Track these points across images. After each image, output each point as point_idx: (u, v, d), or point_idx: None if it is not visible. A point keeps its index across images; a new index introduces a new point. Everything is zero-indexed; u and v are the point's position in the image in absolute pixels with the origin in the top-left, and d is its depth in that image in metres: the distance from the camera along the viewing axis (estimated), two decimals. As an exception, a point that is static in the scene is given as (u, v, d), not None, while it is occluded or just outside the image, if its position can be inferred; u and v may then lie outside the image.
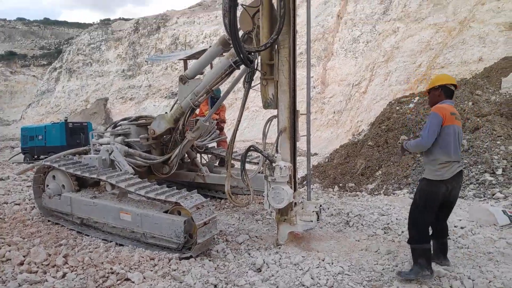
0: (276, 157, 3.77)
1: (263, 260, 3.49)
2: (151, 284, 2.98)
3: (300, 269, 3.30)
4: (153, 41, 63.20)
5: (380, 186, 7.34)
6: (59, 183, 4.52)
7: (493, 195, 5.92)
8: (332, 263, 3.34)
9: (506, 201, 5.66)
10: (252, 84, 4.28)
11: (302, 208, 3.97)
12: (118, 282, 3.04)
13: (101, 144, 5.16)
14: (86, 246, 3.80)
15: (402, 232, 4.13)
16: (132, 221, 3.84)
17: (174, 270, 3.24)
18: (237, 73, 4.71)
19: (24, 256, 3.30)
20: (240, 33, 4.42)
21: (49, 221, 4.55)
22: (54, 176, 4.58)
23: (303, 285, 3.00)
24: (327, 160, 9.34)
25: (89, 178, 4.31)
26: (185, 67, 6.66)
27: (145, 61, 9.49)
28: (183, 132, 5.01)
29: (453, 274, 3.11)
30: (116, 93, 55.57)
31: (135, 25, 57.65)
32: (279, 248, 3.84)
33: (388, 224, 4.38)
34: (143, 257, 3.38)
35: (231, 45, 4.59)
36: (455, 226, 4.40)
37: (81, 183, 4.53)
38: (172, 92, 59.42)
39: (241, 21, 4.24)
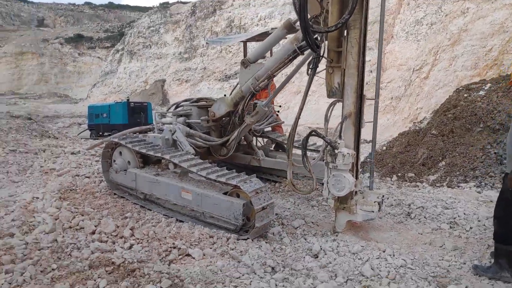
0: (339, 143, 3.66)
1: (320, 246, 3.45)
2: (210, 261, 3.07)
3: (359, 259, 3.23)
4: (209, 24, 64.04)
5: (443, 177, 6.92)
6: (125, 159, 4.77)
7: None
8: (394, 255, 3.22)
9: None
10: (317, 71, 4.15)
11: (363, 198, 3.85)
12: (180, 256, 3.16)
13: (164, 124, 5.36)
14: (149, 220, 4.00)
15: (471, 228, 3.87)
16: (192, 200, 3.97)
17: (232, 249, 3.31)
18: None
19: (95, 226, 3.54)
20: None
21: (115, 194, 4.84)
22: (120, 152, 4.85)
23: (363, 275, 2.92)
24: (384, 148, 8.98)
25: (153, 156, 4.51)
26: (245, 50, 6.65)
27: (206, 43, 9.66)
28: (242, 116, 5.03)
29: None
30: (173, 75, 57.40)
31: (192, 8, 58.66)
32: (336, 235, 3.77)
33: (454, 218, 4.12)
34: (202, 235, 3.49)
35: (297, 29, 4.52)
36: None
37: (145, 160, 4.75)
38: (226, 75, 60.18)
39: (312, 4, 4.10)
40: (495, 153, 6.76)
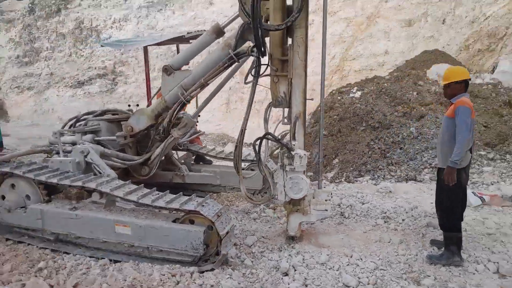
0: (294, 145, 3.56)
1: (287, 262, 3.29)
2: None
3: (330, 268, 3.18)
4: (53, 24, 56.86)
5: (339, 174, 7.55)
6: (21, 194, 3.71)
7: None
8: (361, 259, 3.29)
9: (459, 182, 6.24)
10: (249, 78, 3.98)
11: (314, 197, 3.82)
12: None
13: (65, 144, 4.40)
14: (74, 267, 3.17)
15: (403, 220, 4.26)
16: (132, 235, 3.31)
17: (201, 286, 2.86)
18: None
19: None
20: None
21: (7, 239, 3.73)
22: (13, 185, 3.75)
23: (348, 286, 2.88)
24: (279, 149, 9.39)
25: (66, 187, 3.63)
26: (146, 55, 6.02)
27: (101, 45, 8.23)
28: (168, 129, 4.46)
29: (472, 258, 3.28)
30: (10, 81, 49.15)
31: (30, 5, 51.35)
32: (293, 247, 3.67)
33: (385, 213, 4.48)
34: (163, 275, 2.92)
35: (224, 33, 4.26)
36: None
37: (50, 192, 3.79)
38: (79, 81, 54.49)
39: (241, 11, 3.88)
40: (378, 148, 7.69)
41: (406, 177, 6.80)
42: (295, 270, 3.19)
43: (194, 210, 3.16)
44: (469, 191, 5.12)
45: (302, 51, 3.61)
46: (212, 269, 3.14)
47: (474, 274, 3.10)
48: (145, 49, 5.86)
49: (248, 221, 4.44)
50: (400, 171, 6.99)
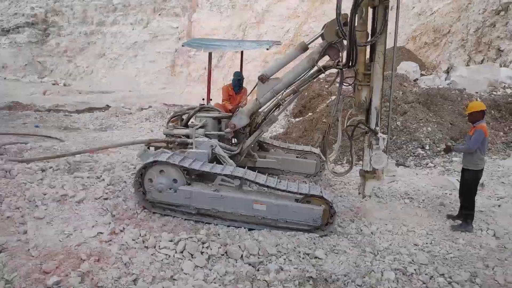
0: (378, 129, 5.09)
1: (368, 228, 4.92)
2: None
3: (395, 234, 4.88)
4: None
5: (340, 157, 9.30)
6: (170, 178, 4.76)
7: (426, 165, 8.56)
8: (414, 228, 5.02)
9: (436, 168, 8.34)
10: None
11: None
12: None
13: (175, 136, 5.51)
14: (226, 232, 4.46)
15: (423, 200, 6.10)
16: (267, 210, 4.64)
17: (327, 245, 4.37)
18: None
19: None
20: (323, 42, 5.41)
21: (154, 213, 4.82)
22: (161, 171, 4.79)
23: (416, 245, 4.59)
24: (282, 134, 10.85)
25: (204, 172, 4.81)
26: (210, 60, 6.97)
27: (182, 45, 8.32)
28: (259, 124, 5.74)
29: (476, 227, 5.19)
30: None
31: None
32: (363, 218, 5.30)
33: (408, 194, 6.28)
34: (307, 239, 4.38)
35: (308, 49, 5.59)
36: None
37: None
38: (3, 28, 49.16)
39: (327, 33, 5.26)
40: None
41: (397, 162, 8.76)
42: (372, 234, 4.84)
43: (320, 196, 4.61)
44: (452, 178, 7.16)
45: (381, 61, 5.01)
46: (326, 235, 4.66)
47: (479, 237, 5.01)
48: (210, 54, 6.82)
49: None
50: (391, 157, 8.92)
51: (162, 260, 3.66)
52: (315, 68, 5.54)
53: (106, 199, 4.84)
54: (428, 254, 4.37)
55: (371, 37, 5.01)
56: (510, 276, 3.97)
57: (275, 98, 5.66)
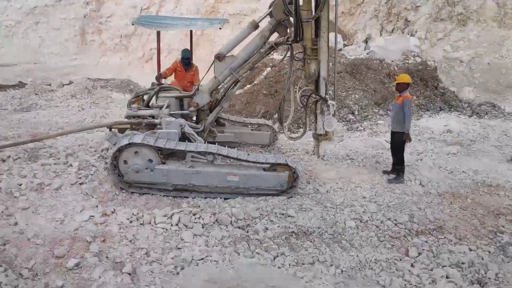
0: (327, 97, 5.86)
1: (323, 187, 5.74)
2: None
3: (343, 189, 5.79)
4: None
5: (292, 126, 10.04)
6: (144, 158, 4.98)
7: (357, 128, 9.72)
8: (360, 184, 5.97)
9: (365, 131, 9.53)
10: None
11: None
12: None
13: (142, 116, 5.69)
14: (206, 203, 4.92)
15: (362, 159, 7.10)
16: (239, 181, 5.17)
17: (295, 205, 5.09)
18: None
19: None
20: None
21: (132, 192, 5.06)
22: (136, 152, 4.98)
23: (364, 197, 5.53)
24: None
25: (178, 151, 5.14)
26: (158, 38, 7.03)
27: (132, 24, 7.19)
28: (219, 101, 6.15)
29: (406, 179, 6.33)
30: None
31: None
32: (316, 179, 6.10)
33: (349, 156, 7.25)
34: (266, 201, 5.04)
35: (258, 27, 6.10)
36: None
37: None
38: None
39: (275, 11, 5.80)
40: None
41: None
42: (327, 192, 5.68)
43: (285, 163, 5.24)
44: (381, 139, 8.35)
45: (326, 35, 5.77)
46: (291, 197, 5.36)
47: (410, 186, 6.14)
48: (158, 33, 6.89)
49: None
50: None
51: (162, 234, 4.02)
52: (268, 44, 6.03)
53: (81, 183, 4.93)
54: (375, 204, 5.33)
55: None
56: (437, 214, 5.09)
57: (232, 74, 6.05)
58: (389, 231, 4.64)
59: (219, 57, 5.98)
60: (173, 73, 7.63)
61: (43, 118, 11.52)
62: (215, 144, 5.89)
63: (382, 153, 7.56)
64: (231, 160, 5.52)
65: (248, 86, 11.95)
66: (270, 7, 5.94)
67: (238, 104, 10.96)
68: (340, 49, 14.04)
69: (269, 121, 7.86)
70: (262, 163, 5.31)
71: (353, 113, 10.06)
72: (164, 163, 5.11)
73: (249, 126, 7.68)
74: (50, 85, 17.05)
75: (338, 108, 10.06)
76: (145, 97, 6.25)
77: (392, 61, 12.23)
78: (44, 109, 13.37)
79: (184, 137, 5.64)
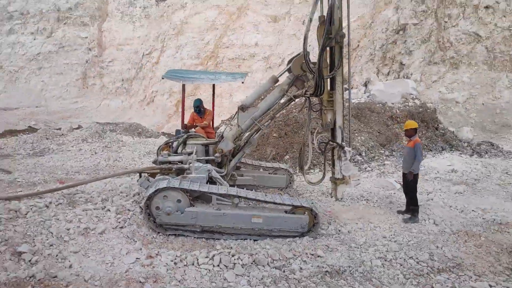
0: (344, 144, 6.34)
1: (346, 228, 6.07)
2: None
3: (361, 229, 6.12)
4: None
5: (293, 167, 10.49)
6: (174, 200, 5.34)
7: (365, 169, 10.17)
8: (379, 224, 6.31)
9: (374, 171, 9.98)
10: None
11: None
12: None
13: (176, 162, 6.19)
14: (237, 244, 5.22)
15: (376, 200, 7.48)
16: (263, 223, 5.48)
17: (319, 245, 5.40)
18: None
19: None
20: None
21: (169, 235, 5.36)
22: (165, 196, 5.33)
23: (384, 237, 5.86)
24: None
25: (207, 194, 5.56)
26: (183, 90, 7.62)
27: (162, 77, 7.84)
28: (242, 147, 6.65)
29: (421, 218, 6.68)
30: None
31: None
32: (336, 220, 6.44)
33: (363, 196, 7.63)
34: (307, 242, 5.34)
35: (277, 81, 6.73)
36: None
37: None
38: None
39: (293, 67, 6.42)
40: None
41: (342, 168, 10.20)
42: (349, 233, 6.00)
43: (309, 207, 5.60)
44: (392, 180, 8.78)
45: (340, 89, 6.36)
46: (316, 237, 5.67)
47: (425, 225, 6.49)
48: (183, 86, 7.49)
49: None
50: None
51: (206, 274, 4.31)
52: (287, 97, 6.60)
53: (121, 227, 5.24)
54: (395, 243, 5.65)
55: (330, 70, 6.30)
56: (454, 252, 5.42)
57: (254, 123, 6.60)
58: (413, 269, 4.94)
59: (243, 108, 6.53)
60: (194, 122, 8.14)
61: (58, 162, 11.87)
62: (235, 187, 6.28)
63: (394, 193, 7.95)
64: (253, 203, 5.88)
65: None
66: (288, 63, 6.60)
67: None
68: (342, 93, 14.79)
69: (285, 165, 8.34)
70: (289, 205, 5.66)
71: (360, 154, 10.55)
72: (192, 206, 5.47)
73: (266, 170, 8.10)
74: (60, 129, 17.55)
75: (346, 149, 10.55)
76: (174, 144, 6.68)
77: (393, 104, 12.93)
78: (57, 153, 13.74)
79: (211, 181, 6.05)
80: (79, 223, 5.00)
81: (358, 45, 23.28)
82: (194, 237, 5.38)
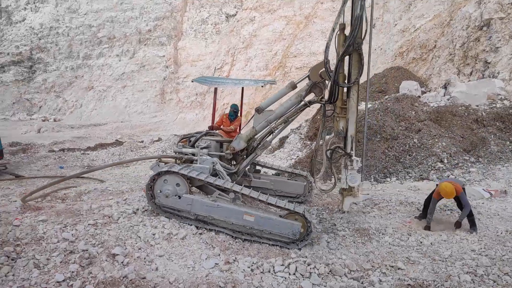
0: (352, 153, 5.98)
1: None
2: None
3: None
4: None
5: (367, 175, 10.15)
6: (173, 185, 5.62)
7: (448, 177, 9.47)
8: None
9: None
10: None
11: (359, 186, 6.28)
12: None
13: (192, 154, 6.58)
14: (316, 255, 5.18)
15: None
16: (254, 222, 5.43)
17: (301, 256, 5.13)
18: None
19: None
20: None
21: (189, 224, 5.63)
22: (165, 180, 5.65)
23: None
24: (299, 156, 11.67)
25: (204, 183, 5.74)
26: (215, 94, 7.93)
27: (192, 81, 9.03)
28: (255, 148, 6.79)
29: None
30: None
31: None
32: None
33: (447, 206, 7.12)
34: (387, 254, 5.12)
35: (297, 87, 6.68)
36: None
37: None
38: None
39: (312, 74, 6.36)
40: (393, 155, 10.44)
41: (421, 177, 9.64)
42: (432, 245, 5.62)
43: (301, 213, 5.39)
44: (480, 189, 8.07)
45: (355, 98, 5.92)
46: (304, 245, 5.43)
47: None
48: (216, 89, 7.81)
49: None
50: (414, 172, 9.81)
51: (283, 282, 4.34)
52: (303, 102, 6.61)
53: (201, 234, 5.50)
54: (487, 257, 5.17)
55: (347, 78, 5.92)
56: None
57: (268, 126, 6.72)
58: (509, 287, 4.48)
59: (258, 110, 6.69)
60: (221, 124, 8.47)
61: (141, 172, 12.81)
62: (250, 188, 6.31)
63: (482, 203, 7.30)
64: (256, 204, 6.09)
65: (328, 137, 12.29)
66: (309, 71, 6.55)
67: (320, 155, 11.29)
68: (419, 96, 14.01)
69: (304, 172, 8.21)
70: (277, 206, 5.55)
71: (441, 161, 9.86)
72: (191, 193, 5.70)
73: (286, 175, 8.19)
74: (142, 141, 19.00)
75: (425, 156, 9.98)
76: (192, 139, 7.09)
77: (477, 106, 11.91)
78: (140, 164, 14.84)
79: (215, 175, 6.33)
80: (163, 229, 5.35)
81: (435, 45, 21.91)
82: (186, 223, 5.61)
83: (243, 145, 6.78)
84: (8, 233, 4.73)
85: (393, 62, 24.93)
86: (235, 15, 42.70)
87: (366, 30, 5.50)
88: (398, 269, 4.82)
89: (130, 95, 47.46)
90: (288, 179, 8.12)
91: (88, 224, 5.17)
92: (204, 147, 6.68)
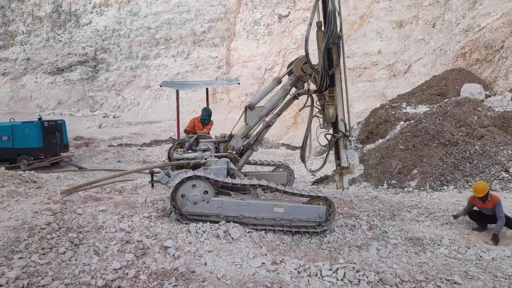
0: (349, 134, 6.11)
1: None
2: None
3: None
4: (29, 7, 54.92)
5: (422, 182, 9.67)
6: (201, 190, 5.51)
7: (514, 187, 8.77)
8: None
9: (524, 191, 8.54)
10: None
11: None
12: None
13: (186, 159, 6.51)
14: (365, 261, 5.04)
15: None
16: (284, 212, 5.54)
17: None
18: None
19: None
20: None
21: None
22: (194, 185, 5.52)
23: None
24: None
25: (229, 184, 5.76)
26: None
27: (160, 85, 9.30)
28: (251, 145, 6.93)
29: None
30: (-17, 66, 47.87)
31: (6, -13, 49.30)
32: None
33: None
34: (442, 266, 4.87)
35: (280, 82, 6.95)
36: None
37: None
38: (58, 68, 53.35)
39: (295, 69, 6.58)
40: (451, 162, 9.86)
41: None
42: (493, 260, 5.24)
43: (325, 197, 5.67)
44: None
45: (340, 85, 6.08)
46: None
47: None
48: (177, 92, 7.86)
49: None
50: (475, 181, 9.18)
51: (330, 287, 4.27)
52: (291, 95, 6.79)
53: (248, 232, 5.55)
54: (558, 277, 4.74)
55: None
56: None
57: (261, 121, 6.89)
58: None
59: (250, 107, 6.80)
60: (194, 128, 8.61)
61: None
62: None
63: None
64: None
65: (381, 140, 11.92)
66: (288, 66, 6.82)
67: (372, 158, 10.97)
68: (482, 100, 13.14)
69: (286, 162, 8.19)
70: (305, 195, 5.90)
71: (506, 171, 9.16)
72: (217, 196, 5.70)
73: (268, 167, 8.54)
74: (194, 139, 19.60)
75: (488, 165, 9.40)
76: (186, 143, 7.19)
77: (551, 112, 10.91)
78: (193, 160, 15.29)
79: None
80: (212, 225, 5.48)
81: (502, 45, 20.40)
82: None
83: (242, 143, 6.98)
84: (72, 220, 5.09)
85: (454, 63, 23.57)
86: (288, 15, 42.67)
87: (341, 23, 5.94)
88: (455, 283, 4.55)
89: (183, 95, 49.10)
90: (270, 172, 8.50)
91: (143, 216, 5.42)
92: (205, 150, 6.78)
